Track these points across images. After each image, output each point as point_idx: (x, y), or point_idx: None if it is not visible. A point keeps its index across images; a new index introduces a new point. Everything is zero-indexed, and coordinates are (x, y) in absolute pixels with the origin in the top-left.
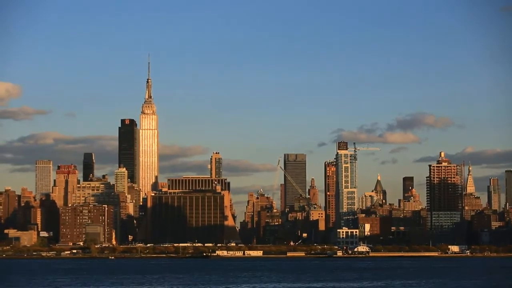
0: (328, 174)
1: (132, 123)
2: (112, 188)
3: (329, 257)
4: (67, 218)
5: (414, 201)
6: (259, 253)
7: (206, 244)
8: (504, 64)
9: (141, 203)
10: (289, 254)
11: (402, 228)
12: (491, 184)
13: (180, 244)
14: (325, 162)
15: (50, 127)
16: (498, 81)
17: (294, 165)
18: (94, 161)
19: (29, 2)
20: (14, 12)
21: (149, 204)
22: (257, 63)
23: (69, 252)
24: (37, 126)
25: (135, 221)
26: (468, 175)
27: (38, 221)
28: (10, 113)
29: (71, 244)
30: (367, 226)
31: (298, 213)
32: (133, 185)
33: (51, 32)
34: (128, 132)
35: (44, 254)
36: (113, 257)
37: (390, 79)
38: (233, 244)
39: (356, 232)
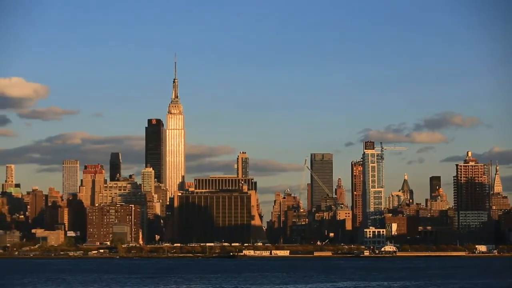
0: (355, 173)
1: (159, 123)
2: (139, 188)
3: (356, 257)
4: (94, 218)
5: (441, 201)
6: (286, 253)
7: (233, 244)
8: None
9: (168, 203)
10: (316, 253)
11: (429, 227)
12: None
13: (207, 244)
14: (352, 162)
15: (78, 127)
16: None
17: (321, 165)
18: (121, 161)
19: (57, 2)
20: (42, 13)
21: (176, 204)
22: (285, 62)
23: (96, 252)
24: (65, 126)
25: (162, 221)
26: (495, 174)
27: (65, 221)
28: (39, 114)
29: (98, 244)
30: (394, 226)
31: (324, 213)
32: (160, 184)
33: (78, 32)
34: (154, 132)
35: (71, 254)
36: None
37: (418, 79)
38: (260, 244)
39: (383, 231)
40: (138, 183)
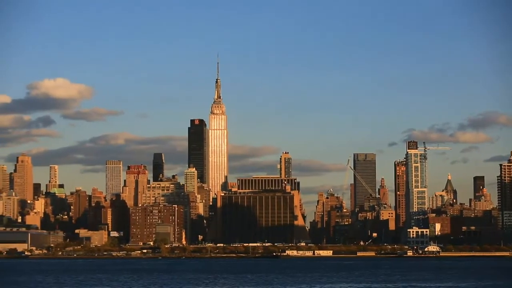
0: (398, 173)
1: (202, 123)
2: (182, 188)
3: (400, 257)
4: (137, 218)
5: (485, 201)
6: (329, 253)
7: (276, 244)
8: None
9: (211, 203)
10: (359, 254)
11: (473, 227)
12: None
13: (250, 244)
14: (395, 162)
15: (122, 127)
16: None
17: (364, 165)
18: (164, 161)
19: (98, 4)
20: (87, 14)
21: (219, 204)
22: (327, 62)
23: (139, 252)
24: (109, 127)
25: (205, 221)
26: None
27: (109, 221)
28: (83, 114)
29: (141, 244)
30: (438, 226)
31: (368, 213)
32: (203, 185)
33: (122, 33)
34: (197, 132)
35: (114, 254)
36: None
37: (462, 79)
38: (303, 244)
39: (426, 231)
40: (181, 183)
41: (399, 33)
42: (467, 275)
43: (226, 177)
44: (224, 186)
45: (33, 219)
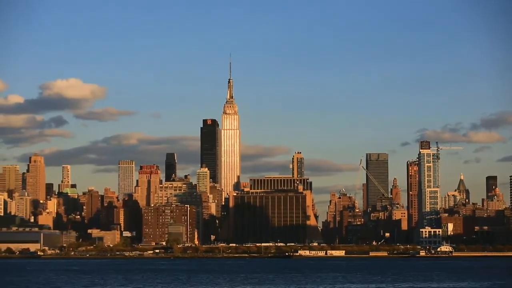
0: (410, 173)
1: (214, 123)
2: (194, 188)
3: (412, 257)
4: (149, 218)
5: (497, 201)
6: (341, 253)
7: (288, 244)
8: None
9: (223, 203)
10: (371, 253)
11: (485, 227)
12: None
13: (262, 244)
14: (407, 162)
15: (134, 127)
16: None
17: (376, 165)
18: (176, 161)
19: (112, 4)
20: (98, 14)
21: (231, 204)
22: (340, 62)
23: (151, 252)
24: (121, 127)
25: (217, 221)
26: None
27: (121, 221)
28: (95, 114)
29: (153, 244)
30: (450, 226)
31: (380, 213)
32: (215, 185)
33: (135, 33)
34: (210, 132)
35: (127, 254)
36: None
37: (475, 79)
38: (315, 244)
39: (439, 231)
40: (193, 183)
41: (412, 33)
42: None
43: (238, 177)
44: (237, 186)
45: (45, 219)
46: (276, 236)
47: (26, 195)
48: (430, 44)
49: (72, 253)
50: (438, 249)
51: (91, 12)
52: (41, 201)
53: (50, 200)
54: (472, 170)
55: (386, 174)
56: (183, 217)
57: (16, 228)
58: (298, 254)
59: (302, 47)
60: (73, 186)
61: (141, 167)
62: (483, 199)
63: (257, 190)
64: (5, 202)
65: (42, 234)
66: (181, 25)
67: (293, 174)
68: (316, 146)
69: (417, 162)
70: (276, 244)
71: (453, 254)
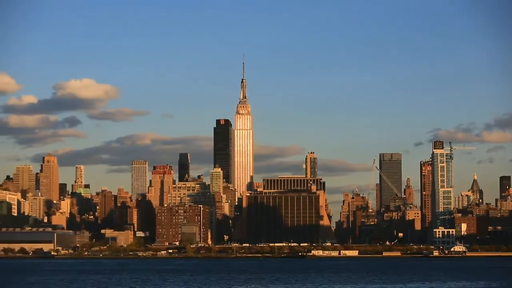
0: (424, 173)
1: (227, 123)
2: (207, 188)
3: (426, 257)
4: (163, 218)
5: (511, 201)
6: (354, 253)
7: (301, 244)
8: None
9: (236, 203)
10: (385, 254)
11: (499, 227)
12: None
13: (276, 244)
14: (421, 162)
15: (147, 128)
16: None
17: (389, 165)
18: (189, 161)
19: (125, 4)
20: (111, 14)
21: (244, 204)
22: (354, 62)
23: (165, 252)
24: (135, 127)
25: (230, 221)
26: None
27: (134, 221)
28: (109, 115)
29: (167, 244)
30: (464, 226)
31: (393, 213)
32: (229, 185)
33: (148, 34)
34: (223, 132)
35: (140, 254)
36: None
37: (488, 78)
38: (328, 244)
39: (452, 231)
40: (206, 183)
41: (427, 33)
42: None
43: (251, 177)
44: (250, 186)
45: (59, 219)
46: (289, 236)
47: (39, 195)
48: (444, 44)
49: (86, 253)
50: (452, 249)
51: (105, 12)
52: (54, 201)
53: (64, 200)
54: (485, 170)
55: (399, 174)
56: (196, 217)
57: (30, 228)
58: (312, 254)
59: (315, 47)
60: (87, 186)
61: (154, 167)
62: (496, 199)
63: (270, 190)
64: (19, 202)
65: (55, 234)
66: (194, 25)
67: (306, 174)
68: (330, 146)
69: (430, 162)
70: (289, 244)
71: (467, 254)
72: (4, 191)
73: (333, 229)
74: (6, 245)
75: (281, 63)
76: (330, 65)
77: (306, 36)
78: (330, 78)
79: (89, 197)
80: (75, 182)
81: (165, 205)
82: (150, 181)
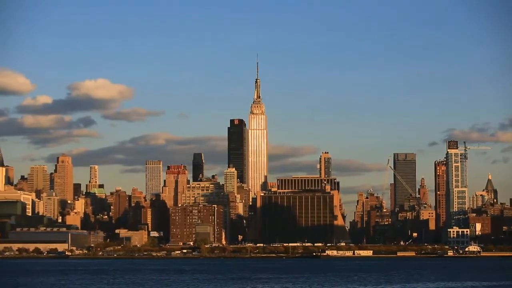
0: (438, 173)
1: (241, 123)
2: (221, 188)
3: (440, 257)
4: (177, 218)
5: None
6: (369, 253)
7: (315, 244)
8: None
9: (250, 203)
10: (399, 254)
11: None
12: None
13: (290, 244)
14: (435, 161)
15: (161, 128)
16: None
17: (404, 165)
18: (203, 161)
19: (139, 3)
20: (125, 14)
21: (258, 204)
22: (368, 62)
23: (179, 252)
24: (149, 127)
25: (244, 221)
26: None
27: (149, 221)
28: (123, 115)
29: (181, 244)
30: (478, 226)
31: (408, 213)
32: (243, 185)
33: (162, 34)
34: (237, 132)
35: (154, 254)
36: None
37: (503, 78)
38: (343, 244)
39: (467, 231)
40: (220, 183)
41: (442, 33)
42: None
43: (265, 177)
44: (264, 186)
45: (73, 219)
46: (304, 236)
47: (54, 195)
48: (460, 44)
49: (100, 253)
50: (466, 249)
51: (120, 12)
52: (68, 201)
53: (78, 200)
54: (500, 170)
55: (413, 174)
56: (210, 217)
57: (44, 228)
58: (326, 254)
59: (330, 48)
60: (101, 186)
61: (168, 167)
62: (511, 199)
63: (285, 190)
64: (33, 202)
65: (70, 234)
66: (208, 25)
67: (320, 174)
68: (344, 146)
69: (444, 162)
70: (304, 244)
71: (481, 254)
72: (19, 191)
73: (347, 229)
74: (20, 245)
75: (295, 63)
76: (344, 65)
77: (320, 37)
78: (344, 79)
79: (103, 197)
80: (90, 182)
81: (179, 205)
82: (164, 181)
